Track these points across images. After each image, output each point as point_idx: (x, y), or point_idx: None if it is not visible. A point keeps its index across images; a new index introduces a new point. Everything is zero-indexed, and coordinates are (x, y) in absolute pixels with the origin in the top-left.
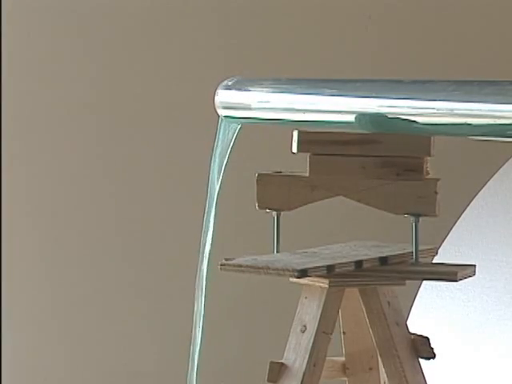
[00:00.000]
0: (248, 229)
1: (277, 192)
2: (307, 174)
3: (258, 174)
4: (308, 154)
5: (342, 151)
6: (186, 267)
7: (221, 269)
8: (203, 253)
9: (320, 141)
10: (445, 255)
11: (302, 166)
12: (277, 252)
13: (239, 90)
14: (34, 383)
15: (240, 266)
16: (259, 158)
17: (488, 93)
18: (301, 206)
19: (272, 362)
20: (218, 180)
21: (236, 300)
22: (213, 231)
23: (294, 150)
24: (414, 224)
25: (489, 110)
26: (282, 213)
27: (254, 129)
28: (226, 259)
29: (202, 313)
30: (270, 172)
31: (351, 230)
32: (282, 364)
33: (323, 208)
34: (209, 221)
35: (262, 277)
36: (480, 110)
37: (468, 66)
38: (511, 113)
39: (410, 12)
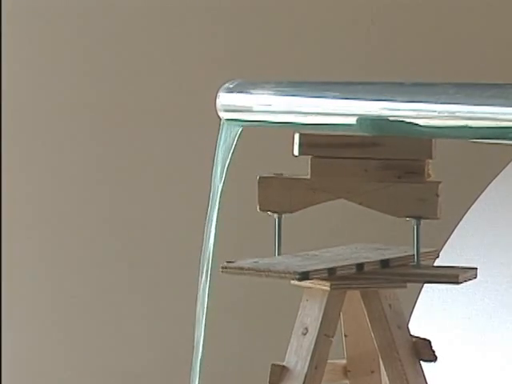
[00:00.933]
0: (249, 231)
1: (278, 194)
2: (309, 177)
3: (260, 177)
4: (309, 157)
5: (343, 154)
6: (188, 270)
7: (222, 271)
8: (205, 255)
9: (321, 143)
10: (446, 258)
11: (303, 168)
12: (278, 254)
13: (240, 92)
14: (34, 383)
15: (241, 268)
16: (261, 160)
17: (490, 95)
18: (302, 208)
19: (274, 365)
20: (219, 183)
21: (237, 303)
22: (215, 234)
23: (296, 152)
24: (415, 227)
25: (490, 113)
26: (283, 215)
27: (255, 131)
28: (228, 262)
29: (204, 316)
30: (271, 175)
31: (353, 233)
32: (284, 366)
33: (325, 210)
34: (211, 223)
35: (264, 279)
36: (481, 112)
37: (470, 69)
38: None
39: (411, 15)
